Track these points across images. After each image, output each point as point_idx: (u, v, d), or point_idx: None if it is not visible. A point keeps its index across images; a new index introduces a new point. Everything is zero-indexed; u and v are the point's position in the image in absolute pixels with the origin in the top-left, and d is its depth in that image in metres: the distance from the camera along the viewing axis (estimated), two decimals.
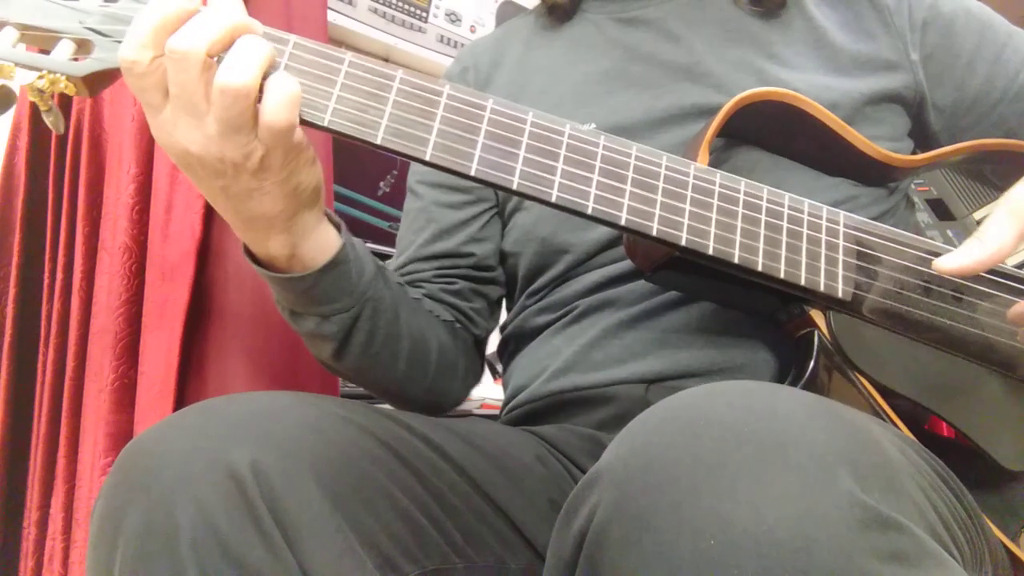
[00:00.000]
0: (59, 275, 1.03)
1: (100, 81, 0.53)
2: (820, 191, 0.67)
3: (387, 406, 0.68)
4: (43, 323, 1.05)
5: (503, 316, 0.86)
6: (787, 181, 0.65)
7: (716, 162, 0.67)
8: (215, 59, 0.48)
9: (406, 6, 1.53)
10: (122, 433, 0.92)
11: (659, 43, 0.77)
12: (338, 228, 0.62)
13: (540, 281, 0.76)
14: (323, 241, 0.59)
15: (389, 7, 1.51)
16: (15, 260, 1.07)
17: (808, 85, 0.70)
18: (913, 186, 0.85)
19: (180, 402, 0.90)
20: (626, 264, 0.70)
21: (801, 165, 0.69)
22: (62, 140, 1.06)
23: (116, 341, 0.94)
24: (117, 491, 0.47)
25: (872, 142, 0.68)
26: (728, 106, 0.62)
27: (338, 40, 1.49)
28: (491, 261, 0.81)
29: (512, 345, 0.80)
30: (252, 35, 0.49)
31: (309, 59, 0.52)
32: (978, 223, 1.03)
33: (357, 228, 0.88)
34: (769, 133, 0.67)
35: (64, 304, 1.02)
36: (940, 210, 1.03)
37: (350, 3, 1.46)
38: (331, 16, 1.36)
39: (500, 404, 0.83)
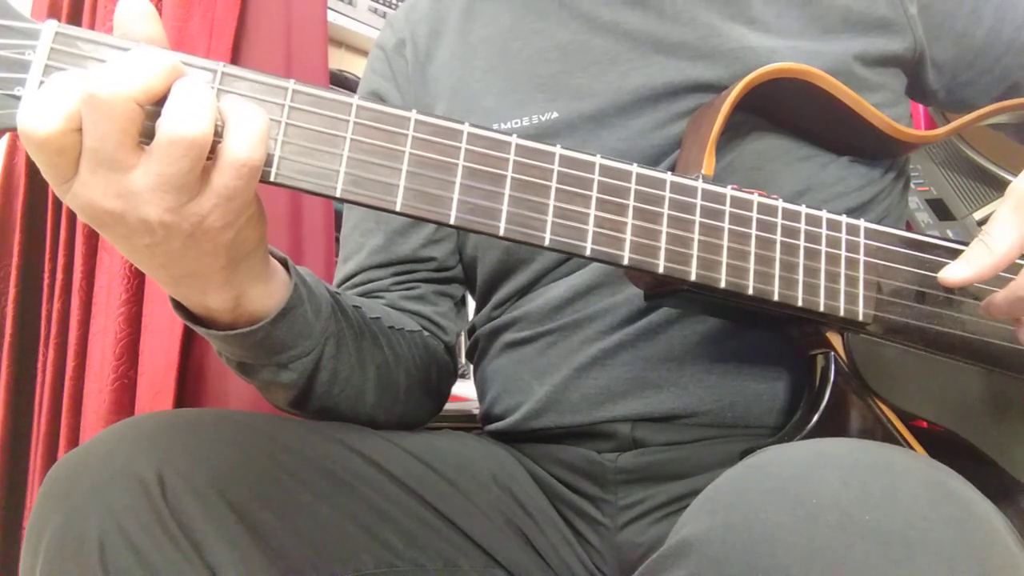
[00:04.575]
0: (59, 275, 1.03)
1: None
2: (808, 172, 0.63)
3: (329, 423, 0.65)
4: (43, 323, 1.05)
5: (470, 315, 0.80)
6: (773, 162, 0.62)
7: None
8: (143, 108, 0.39)
9: None
10: None
11: (622, 9, 0.67)
12: (284, 264, 0.54)
13: (503, 291, 0.70)
14: (271, 286, 0.51)
15: (389, 7, 1.51)
16: (15, 260, 1.07)
17: (794, 53, 0.63)
18: (913, 186, 0.84)
19: (179, 403, 0.90)
20: (591, 273, 0.64)
21: (792, 142, 0.64)
22: None
23: (116, 341, 0.94)
24: (42, 503, 0.49)
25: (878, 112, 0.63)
26: (733, 96, 0.57)
27: (338, 40, 1.49)
28: (451, 262, 0.74)
29: (480, 353, 0.74)
30: (190, 78, 0.40)
31: (243, 88, 0.42)
32: (979, 223, 1.03)
33: None
34: (764, 108, 0.62)
35: (64, 304, 1.02)
36: (940, 210, 1.03)
37: (350, 3, 1.46)
38: (331, 16, 1.36)
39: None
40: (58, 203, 1.06)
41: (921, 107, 1.00)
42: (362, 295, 0.71)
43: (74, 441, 0.97)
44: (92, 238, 1.01)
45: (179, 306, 0.50)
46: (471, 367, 0.79)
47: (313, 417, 0.62)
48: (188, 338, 0.92)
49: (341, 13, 1.44)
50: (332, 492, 0.55)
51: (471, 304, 0.79)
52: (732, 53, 0.63)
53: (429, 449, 0.62)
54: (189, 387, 0.93)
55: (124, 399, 0.93)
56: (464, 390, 1.31)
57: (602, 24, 0.67)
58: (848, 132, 0.64)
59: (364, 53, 1.55)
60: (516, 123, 0.67)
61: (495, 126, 0.67)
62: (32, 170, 1.08)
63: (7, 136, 1.10)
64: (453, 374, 0.76)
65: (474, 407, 1.23)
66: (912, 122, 0.71)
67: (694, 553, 0.36)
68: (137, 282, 0.96)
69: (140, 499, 0.47)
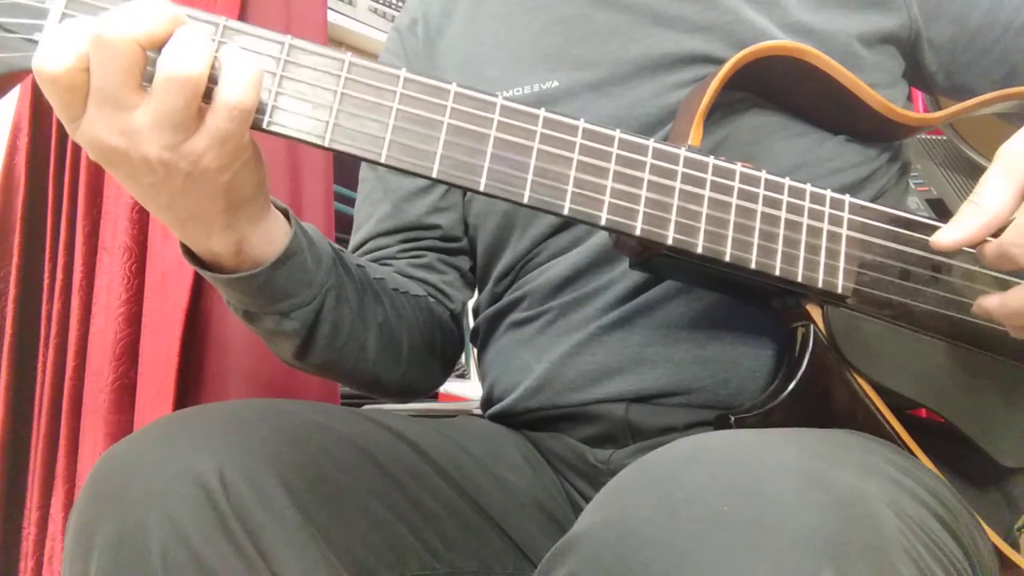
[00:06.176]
0: (59, 275, 1.03)
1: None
2: (804, 147, 0.63)
3: (375, 407, 0.65)
4: (43, 323, 1.05)
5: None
6: (769, 137, 0.62)
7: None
8: (145, 51, 0.42)
9: None
10: (122, 433, 0.92)
11: None
12: (286, 215, 0.56)
13: (503, 262, 0.71)
14: (272, 232, 0.53)
15: (389, 7, 1.51)
16: (15, 260, 1.07)
17: (789, 30, 0.64)
18: (913, 186, 0.84)
19: (179, 403, 0.90)
20: (591, 250, 0.64)
21: (789, 119, 0.64)
22: (62, 140, 1.06)
23: (116, 341, 0.94)
24: (89, 504, 0.48)
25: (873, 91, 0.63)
26: (723, 72, 0.58)
27: (338, 40, 1.49)
28: (458, 231, 0.75)
29: (483, 336, 0.75)
30: (190, 26, 0.43)
31: (244, 42, 0.45)
32: None
33: None
34: (760, 85, 0.63)
35: (64, 304, 1.02)
36: (940, 210, 1.03)
37: (350, 3, 1.46)
38: (331, 16, 1.36)
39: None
40: (58, 203, 1.06)
41: (920, 97, 1.00)
42: (371, 262, 0.72)
43: (74, 441, 0.97)
44: (92, 238, 1.01)
45: (187, 251, 0.53)
46: (472, 367, 0.80)
47: (318, 372, 0.64)
48: (188, 338, 0.92)
49: (341, 13, 1.44)
50: (383, 488, 0.55)
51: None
52: (728, 26, 0.64)
53: (462, 432, 0.63)
54: (189, 387, 0.93)
55: (124, 399, 0.93)
56: (465, 390, 1.31)
57: (604, 0, 0.69)
58: (844, 111, 0.64)
59: (364, 53, 1.55)
60: (518, 91, 0.69)
61: (498, 94, 0.70)
62: (32, 170, 1.08)
63: (7, 136, 1.10)
64: (460, 342, 0.77)
65: (474, 407, 1.24)
66: (911, 106, 0.71)
67: (575, 549, 0.37)
68: (137, 282, 0.96)
69: (203, 505, 0.46)
